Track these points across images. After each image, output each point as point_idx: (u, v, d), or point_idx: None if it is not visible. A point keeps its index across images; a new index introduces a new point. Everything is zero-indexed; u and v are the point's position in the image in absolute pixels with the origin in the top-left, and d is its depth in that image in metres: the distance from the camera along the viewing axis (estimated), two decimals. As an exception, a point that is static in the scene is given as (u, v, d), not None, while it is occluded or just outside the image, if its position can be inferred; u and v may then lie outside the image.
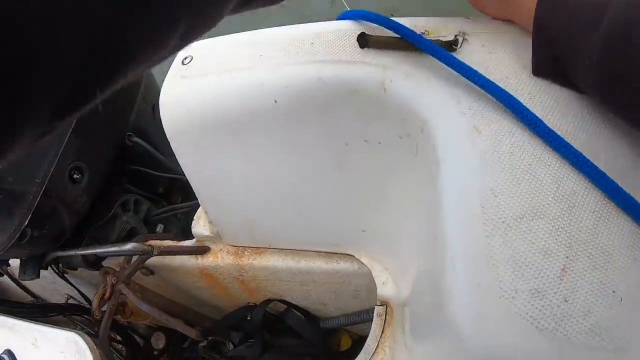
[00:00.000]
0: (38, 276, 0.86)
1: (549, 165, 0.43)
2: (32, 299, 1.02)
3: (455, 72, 0.49)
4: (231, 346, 0.90)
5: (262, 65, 0.61)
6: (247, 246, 0.81)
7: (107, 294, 0.79)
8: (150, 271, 0.89)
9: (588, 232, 0.40)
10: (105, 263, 0.88)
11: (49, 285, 1.03)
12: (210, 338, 0.92)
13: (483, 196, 0.42)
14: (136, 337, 1.00)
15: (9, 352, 0.76)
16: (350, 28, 0.59)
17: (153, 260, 0.86)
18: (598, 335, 0.36)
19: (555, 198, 0.41)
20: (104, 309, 0.83)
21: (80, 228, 0.86)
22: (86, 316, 0.96)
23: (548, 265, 0.38)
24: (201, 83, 0.64)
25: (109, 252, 0.79)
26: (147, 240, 0.88)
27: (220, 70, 0.64)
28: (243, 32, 0.70)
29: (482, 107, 0.48)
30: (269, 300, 0.87)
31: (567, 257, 0.39)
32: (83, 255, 0.83)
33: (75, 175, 0.81)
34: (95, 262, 0.85)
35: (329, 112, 0.57)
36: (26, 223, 0.75)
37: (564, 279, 0.38)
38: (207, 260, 0.83)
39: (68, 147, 0.79)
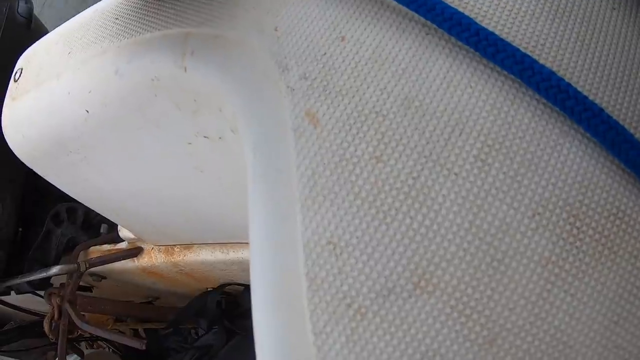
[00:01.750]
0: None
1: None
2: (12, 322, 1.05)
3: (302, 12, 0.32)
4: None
5: (68, 67, 0.49)
6: (174, 244, 0.74)
7: (56, 316, 0.78)
8: (102, 276, 0.87)
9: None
10: (54, 280, 0.86)
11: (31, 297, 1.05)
12: (181, 327, 0.91)
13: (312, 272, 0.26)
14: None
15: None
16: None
17: (99, 267, 0.83)
18: None
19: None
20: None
21: (21, 252, 0.84)
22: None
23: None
24: (24, 104, 0.54)
25: (38, 278, 0.76)
26: (88, 248, 0.84)
27: (37, 83, 0.53)
28: (64, 23, 0.58)
29: (327, 72, 0.30)
30: (223, 285, 0.82)
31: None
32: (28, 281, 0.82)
33: (-15, 210, 0.76)
34: (40, 285, 0.84)
35: (147, 111, 0.45)
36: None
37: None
38: (143, 261, 0.78)
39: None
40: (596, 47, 0.34)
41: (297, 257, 0.27)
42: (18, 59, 0.61)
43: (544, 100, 0.31)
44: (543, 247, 0.28)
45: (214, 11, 0.38)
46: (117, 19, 0.47)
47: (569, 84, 0.29)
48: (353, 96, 0.29)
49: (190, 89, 0.39)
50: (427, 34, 0.31)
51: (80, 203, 0.89)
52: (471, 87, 0.30)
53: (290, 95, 0.30)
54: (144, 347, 0.72)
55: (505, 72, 0.30)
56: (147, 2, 0.45)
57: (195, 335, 0.93)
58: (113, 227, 0.92)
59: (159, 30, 0.41)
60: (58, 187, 0.63)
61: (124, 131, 0.49)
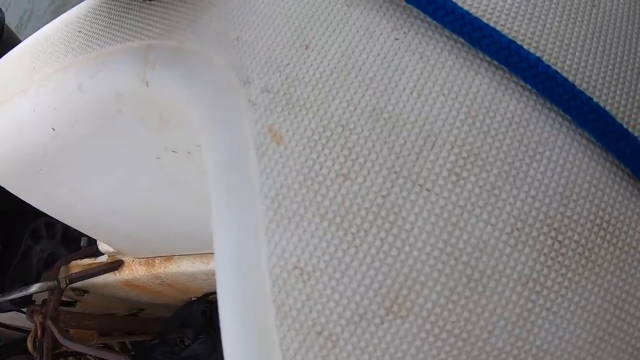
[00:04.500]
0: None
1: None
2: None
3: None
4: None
5: (33, 83, 0.47)
6: (154, 256, 0.72)
7: (39, 334, 0.76)
8: (85, 290, 0.85)
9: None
10: (36, 297, 0.84)
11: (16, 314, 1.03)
12: (168, 337, 0.89)
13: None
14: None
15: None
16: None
17: (80, 282, 0.81)
18: None
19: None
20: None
21: (0, 270, 0.81)
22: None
23: None
24: (-12, 122, 0.52)
25: (18, 296, 0.74)
26: (68, 263, 0.82)
27: (3, 100, 0.51)
28: (31, 35, 0.55)
29: (290, 84, 0.28)
30: (207, 294, 0.81)
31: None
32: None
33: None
34: (22, 302, 0.81)
35: (113, 127, 0.43)
36: None
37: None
38: (124, 274, 0.76)
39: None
40: (579, 35, 0.32)
41: (263, 283, 0.25)
42: (-11, 71, 0.59)
43: (522, 106, 0.29)
44: (523, 265, 0.27)
45: (176, 22, 0.36)
46: (80, 31, 0.45)
47: (556, 72, 0.28)
48: (317, 109, 0.27)
49: (154, 104, 0.37)
50: (396, 39, 0.29)
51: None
52: (444, 94, 0.28)
53: (252, 110, 0.28)
54: (128, 363, 0.70)
55: (485, 65, 0.28)
56: (110, 13, 0.43)
57: (182, 345, 0.91)
58: (93, 240, 0.90)
59: (120, 43, 0.39)
60: (31, 204, 0.61)
61: (92, 148, 0.47)
